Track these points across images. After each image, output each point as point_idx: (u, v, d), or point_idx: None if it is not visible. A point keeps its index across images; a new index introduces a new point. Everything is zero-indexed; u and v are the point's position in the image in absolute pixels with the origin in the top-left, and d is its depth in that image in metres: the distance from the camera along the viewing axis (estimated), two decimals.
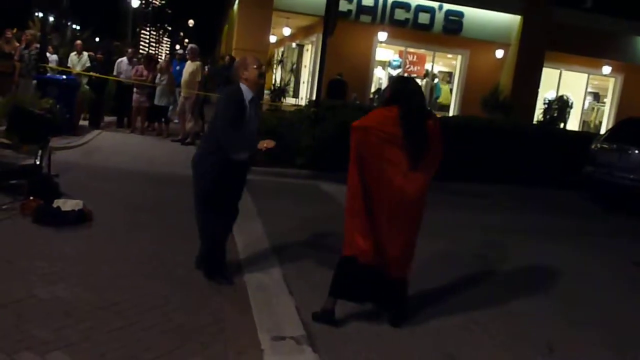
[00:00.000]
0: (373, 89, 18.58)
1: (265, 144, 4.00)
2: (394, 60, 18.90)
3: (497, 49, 18.00)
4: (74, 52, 14.00)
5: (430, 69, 19.10)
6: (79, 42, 14.72)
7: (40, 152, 6.63)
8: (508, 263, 5.89)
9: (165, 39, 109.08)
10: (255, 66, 4.15)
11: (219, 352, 3.27)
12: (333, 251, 5.59)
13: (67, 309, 3.54)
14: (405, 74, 18.75)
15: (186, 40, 76.93)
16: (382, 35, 16.99)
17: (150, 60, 12.75)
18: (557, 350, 3.86)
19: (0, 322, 3.28)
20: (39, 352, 3.00)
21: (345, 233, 3.81)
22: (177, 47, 69.20)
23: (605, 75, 19.71)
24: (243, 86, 4.14)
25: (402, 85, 3.92)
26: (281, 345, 3.41)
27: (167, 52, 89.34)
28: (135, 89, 12.04)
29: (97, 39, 27.78)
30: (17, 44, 12.18)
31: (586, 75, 19.96)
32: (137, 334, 3.35)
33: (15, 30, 13.51)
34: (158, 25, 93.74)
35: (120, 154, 9.69)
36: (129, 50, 14.16)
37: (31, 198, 5.57)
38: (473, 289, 4.92)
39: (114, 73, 12.65)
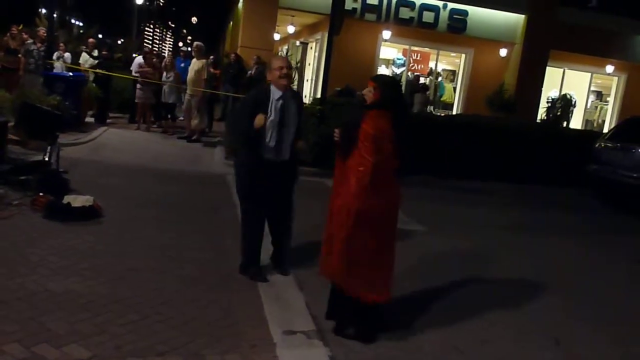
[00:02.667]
0: None
1: (299, 144, 4.40)
2: (398, 59, 18.88)
3: (501, 47, 17.98)
4: (85, 49, 14.03)
5: (434, 67, 19.09)
6: (91, 40, 14.77)
7: (49, 148, 6.67)
8: (514, 259, 5.92)
9: (169, 36, 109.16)
10: (276, 67, 4.28)
11: (231, 345, 3.31)
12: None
13: (81, 303, 3.59)
14: (409, 73, 18.80)
15: (189, 37, 76.99)
16: (387, 34, 16.99)
17: (156, 58, 12.77)
18: (564, 344, 3.90)
19: (16, 315, 3.32)
20: (56, 345, 3.05)
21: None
22: (181, 44, 69.24)
23: (608, 74, 19.66)
24: (272, 86, 4.31)
25: (397, 93, 3.71)
26: (292, 339, 3.46)
27: (170, 49, 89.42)
28: (138, 85, 12.06)
29: (100, 36, 27.85)
30: (24, 39, 12.21)
31: (589, 74, 19.91)
32: (151, 328, 3.39)
33: (21, 27, 13.56)
34: (161, 22, 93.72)
35: (128, 151, 9.73)
36: (147, 49, 14.23)
37: (41, 194, 5.61)
38: (480, 285, 4.95)
39: (133, 72, 12.58)
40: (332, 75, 11.46)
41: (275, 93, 4.27)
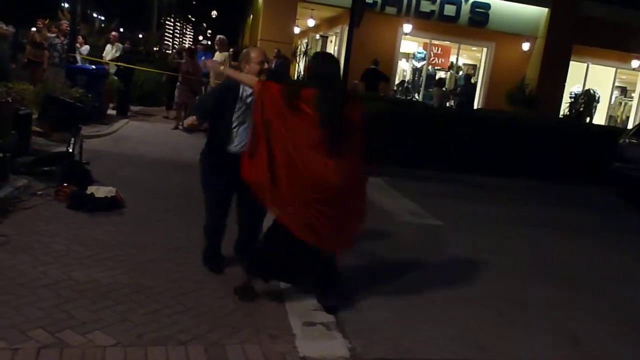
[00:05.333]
0: (397, 81, 18.51)
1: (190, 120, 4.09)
2: (419, 52, 18.81)
3: (523, 41, 17.80)
4: (109, 44, 14.19)
5: (454, 61, 18.98)
6: (114, 33, 14.93)
7: (72, 139, 6.77)
8: (533, 257, 5.88)
9: (189, 29, 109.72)
10: (257, 61, 3.98)
11: (251, 335, 3.35)
12: (359, 239, 5.68)
13: (104, 292, 3.66)
14: (430, 67, 18.69)
15: (209, 31, 77.28)
16: (407, 27, 16.91)
17: (192, 53, 12.80)
18: (582, 342, 3.88)
19: (41, 302, 3.40)
20: (80, 332, 3.11)
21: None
22: (200, 38, 69.58)
23: (633, 69, 19.35)
24: None
25: (323, 69, 3.70)
26: (312, 330, 3.48)
27: (190, 43, 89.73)
28: (178, 83, 12.06)
29: (121, 30, 28.08)
30: (48, 34, 12.39)
31: (614, 69, 19.62)
32: (172, 317, 3.44)
33: (47, 21, 13.75)
34: (181, 16, 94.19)
35: (149, 143, 9.84)
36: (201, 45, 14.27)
37: (65, 184, 5.71)
38: (499, 281, 4.93)
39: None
40: (351, 69, 11.47)
41: (248, 88, 3.92)
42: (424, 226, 6.56)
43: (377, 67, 14.62)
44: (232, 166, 3.85)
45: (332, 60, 3.94)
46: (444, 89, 16.57)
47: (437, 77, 18.15)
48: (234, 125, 4.01)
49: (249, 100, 3.96)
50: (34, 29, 13.17)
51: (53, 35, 12.43)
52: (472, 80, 17.15)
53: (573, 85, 18.93)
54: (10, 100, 6.64)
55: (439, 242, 5.96)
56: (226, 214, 4.26)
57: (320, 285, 3.87)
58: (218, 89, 4.29)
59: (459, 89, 16.82)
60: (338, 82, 3.81)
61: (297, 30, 19.33)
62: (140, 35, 32.31)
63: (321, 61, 3.87)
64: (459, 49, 18.81)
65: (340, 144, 3.56)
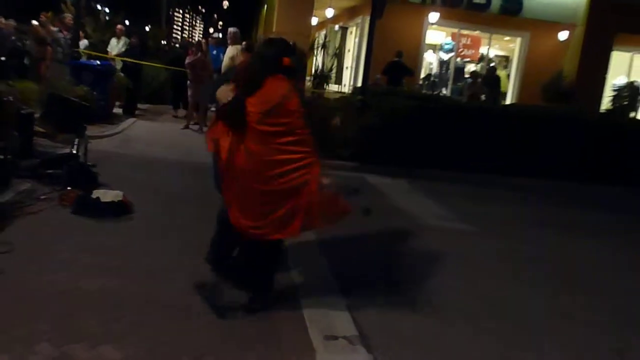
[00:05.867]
0: (423, 75, 18.45)
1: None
2: (446, 44, 18.72)
3: (560, 30, 17.61)
4: (114, 37, 14.35)
5: (485, 52, 18.84)
6: (120, 26, 15.09)
7: (77, 140, 6.87)
8: (570, 265, 5.83)
9: (199, 22, 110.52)
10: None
11: (269, 349, 3.37)
12: (382, 245, 5.70)
13: (113, 302, 3.70)
14: (458, 59, 18.59)
15: (220, 23, 77.77)
16: (434, 17, 16.83)
17: (201, 47, 12.85)
18: (626, 358, 3.84)
19: (47, 313, 3.46)
20: (88, 346, 3.16)
21: None
22: (211, 30, 69.99)
23: None
24: None
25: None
26: (334, 344, 3.49)
27: (200, 36, 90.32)
28: (189, 82, 12.15)
29: (127, 22, 28.36)
30: (52, 28, 12.57)
31: None
32: (185, 330, 3.47)
33: (50, 14, 13.95)
34: (191, 8, 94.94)
35: (157, 144, 9.94)
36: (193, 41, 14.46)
37: (69, 188, 5.80)
38: (534, 292, 4.90)
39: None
40: (374, 62, 11.45)
41: None
42: (452, 231, 6.53)
43: (400, 59, 14.59)
44: None
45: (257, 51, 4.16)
46: (478, 79, 16.43)
47: (469, 69, 18.01)
48: None
49: None
50: (35, 22, 13.36)
51: (56, 29, 12.61)
52: (497, 72, 16.96)
53: (616, 77, 18.68)
54: (11, 99, 6.76)
55: (468, 249, 5.93)
56: None
57: (251, 284, 3.96)
58: (225, 75, 4.28)
59: (479, 80, 16.65)
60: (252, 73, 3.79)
61: (315, 21, 19.36)
62: (147, 29, 32.58)
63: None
64: (490, 39, 18.68)
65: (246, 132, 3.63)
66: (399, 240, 5.93)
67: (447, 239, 6.18)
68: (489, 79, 16.14)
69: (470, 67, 18.61)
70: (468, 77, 17.44)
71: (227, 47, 12.22)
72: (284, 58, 3.67)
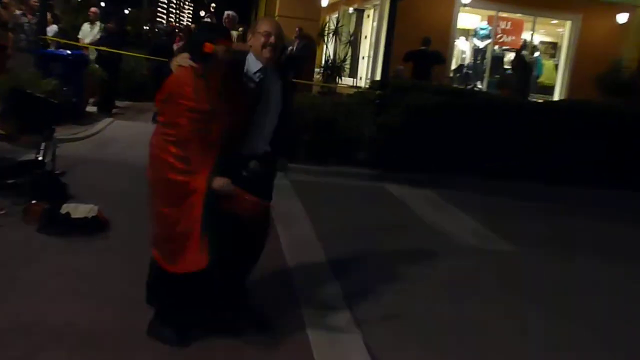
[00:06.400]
0: (454, 65, 18.43)
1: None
2: (481, 29, 18.72)
3: (618, 12, 17.58)
4: (87, 22, 14.43)
5: (528, 39, 18.82)
6: (93, 9, 15.17)
7: (43, 144, 6.88)
8: (627, 297, 5.77)
9: (187, 4, 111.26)
10: (262, 31, 3.93)
11: None
12: (405, 268, 5.66)
13: (85, 337, 3.69)
14: (496, 47, 18.57)
15: (213, 5, 78.17)
16: None
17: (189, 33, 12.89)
18: None
19: (7, 351, 3.44)
20: None
21: None
22: (203, 14, 70.32)
23: None
24: (251, 55, 3.99)
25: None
26: None
27: (189, 20, 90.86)
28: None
29: (103, 4, 28.55)
30: (16, 11, 12.64)
31: None
32: None
33: None
34: None
35: (138, 147, 9.87)
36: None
37: (34, 202, 5.79)
38: (587, 330, 4.85)
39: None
40: (395, 51, 11.45)
41: (253, 64, 3.94)
42: (493, 252, 6.49)
43: (427, 48, 14.56)
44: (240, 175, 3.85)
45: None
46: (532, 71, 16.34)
47: (509, 59, 17.96)
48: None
49: (256, 78, 3.94)
50: None
51: (19, 12, 12.68)
52: (527, 59, 16.84)
53: None
54: None
55: (510, 274, 5.89)
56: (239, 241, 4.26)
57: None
58: None
59: (509, 71, 16.59)
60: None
61: (325, 2, 19.44)
62: (127, 12, 32.82)
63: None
64: (534, 23, 18.67)
65: None
66: (431, 263, 5.89)
67: (489, 262, 6.17)
68: (518, 66, 16.04)
69: (511, 57, 18.58)
70: (508, 68, 17.41)
71: None
72: (207, 43, 3.65)
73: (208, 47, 3.53)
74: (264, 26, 3.96)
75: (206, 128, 3.53)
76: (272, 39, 3.88)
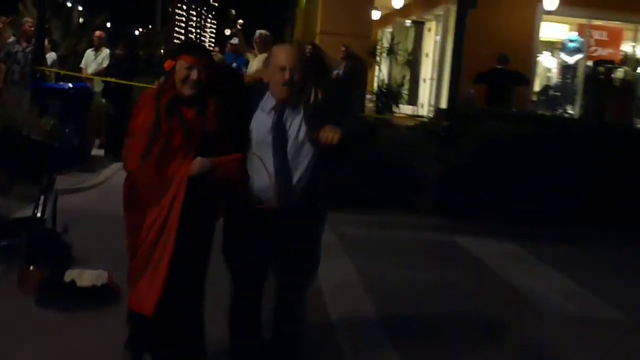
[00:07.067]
0: (538, 87, 18.33)
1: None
2: (570, 40, 18.62)
3: None
4: (91, 48, 14.73)
5: (630, 51, 18.66)
6: (98, 32, 15.47)
7: (42, 197, 6.99)
8: None
9: (210, 20, 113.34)
10: (277, 65, 3.93)
11: None
12: (485, 346, 5.60)
13: None
14: (589, 62, 18.42)
15: (240, 21, 79.32)
16: (550, 3, 16.83)
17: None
18: None
19: None
20: None
21: None
22: (228, 32, 71.45)
23: None
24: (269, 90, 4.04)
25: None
26: None
27: (212, 39, 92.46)
28: None
29: (109, 25, 29.12)
30: (10, 37, 12.99)
31: None
32: None
33: (9, 19, 14.46)
34: (198, 1, 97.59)
35: None
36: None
37: (32, 267, 5.85)
38: None
39: None
40: (464, 70, 11.44)
41: (268, 101, 4.00)
42: (592, 321, 6.37)
43: (504, 66, 14.52)
44: (263, 224, 4.03)
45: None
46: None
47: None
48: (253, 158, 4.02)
49: (271, 118, 3.99)
50: None
51: (12, 39, 12.99)
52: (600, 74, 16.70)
53: None
54: None
55: (618, 351, 5.77)
56: (258, 294, 4.38)
57: None
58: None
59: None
60: None
61: (376, 14, 19.58)
62: (138, 33, 33.49)
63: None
64: (636, 32, 18.52)
65: None
66: (514, 335, 5.82)
67: (589, 334, 6.05)
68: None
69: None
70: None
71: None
72: (168, 60, 3.88)
73: (167, 64, 3.78)
74: (277, 59, 3.95)
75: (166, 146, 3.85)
76: (287, 75, 3.87)
